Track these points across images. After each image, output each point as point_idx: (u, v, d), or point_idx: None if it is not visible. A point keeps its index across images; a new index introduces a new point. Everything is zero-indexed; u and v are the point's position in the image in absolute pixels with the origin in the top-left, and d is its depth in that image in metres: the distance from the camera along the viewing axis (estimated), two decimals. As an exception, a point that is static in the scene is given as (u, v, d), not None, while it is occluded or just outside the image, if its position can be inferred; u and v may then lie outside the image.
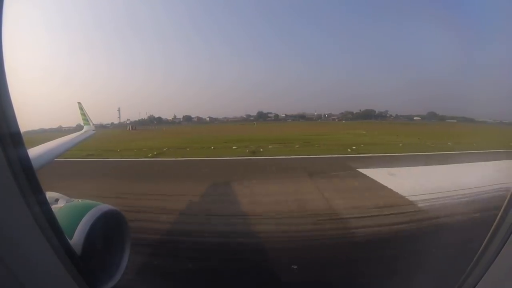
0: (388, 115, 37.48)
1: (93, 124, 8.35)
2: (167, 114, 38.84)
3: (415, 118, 35.00)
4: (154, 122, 36.47)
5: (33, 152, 3.62)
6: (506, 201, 1.39)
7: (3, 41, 1.04)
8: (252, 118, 38.24)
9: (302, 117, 38.90)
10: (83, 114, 8.53)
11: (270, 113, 38.95)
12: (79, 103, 8.79)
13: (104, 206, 1.87)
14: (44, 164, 3.41)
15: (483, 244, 1.42)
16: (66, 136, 5.82)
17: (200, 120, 38.62)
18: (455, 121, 30.90)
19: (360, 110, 38.75)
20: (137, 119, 35.98)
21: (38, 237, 1.10)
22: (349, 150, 14.89)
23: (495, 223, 1.39)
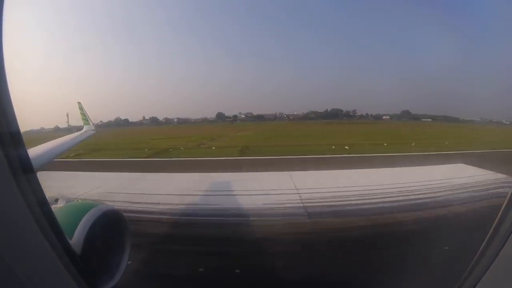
0: (356, 114, 36.76)
1: (93, 124, 8.33)
2: (139, 115, 38.05)
3: (383, 117, 34.63)
4: (120, 123, 35.77)
5: (33, 152, 3.61)
6: (506, 201, 1.38)
7: (3, 41, 1.04)
8: (212, 119, 37.99)
9: (259, 118, 38.64)
10: (83, 114, 8.49)
11: (230, 115, 38.48)
12: (79, 103, 8.75)
13: (104, 206, 1.87)
14: (44, 164, 3.41)
15: (483, 244, 1.41)
16: (66, 136, 5.82)
17: (168, 121, 38.02)
18: (430, 120, 30.59)
19: (326, 110, 37.98)
20: (105, 121, 35.14)
21: (38, 237, 1.10)
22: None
23: (495, 223, 1.38)
